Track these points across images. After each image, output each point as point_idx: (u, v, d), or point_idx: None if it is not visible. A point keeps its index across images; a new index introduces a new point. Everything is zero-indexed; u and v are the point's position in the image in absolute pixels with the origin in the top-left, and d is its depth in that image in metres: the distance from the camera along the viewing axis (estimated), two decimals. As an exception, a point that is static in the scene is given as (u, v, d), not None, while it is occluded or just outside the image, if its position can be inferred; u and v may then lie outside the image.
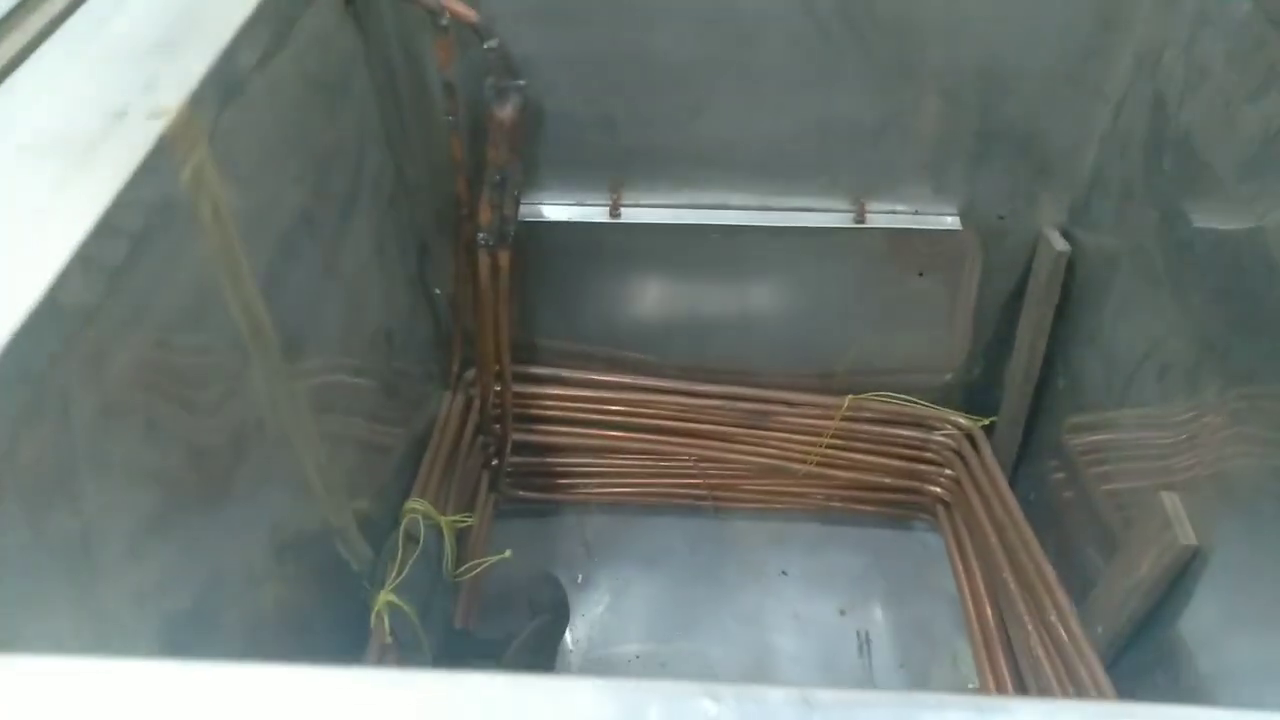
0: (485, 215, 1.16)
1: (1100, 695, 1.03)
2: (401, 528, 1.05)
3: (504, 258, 1.21)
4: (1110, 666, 1.08)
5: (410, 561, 1.02)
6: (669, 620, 1.46)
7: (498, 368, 1.34)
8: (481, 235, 1.17)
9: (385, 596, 0.97)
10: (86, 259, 0.54)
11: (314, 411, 0.91)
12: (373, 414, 1.12)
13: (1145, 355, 1.08)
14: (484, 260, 1.19)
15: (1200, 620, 0.96)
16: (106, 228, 0.56)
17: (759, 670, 1.40)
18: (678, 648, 1.43)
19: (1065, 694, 1.09)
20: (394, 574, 0.99)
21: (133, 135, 0.61)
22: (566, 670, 1.36)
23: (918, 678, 1.40)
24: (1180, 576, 0.97)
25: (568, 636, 1.41)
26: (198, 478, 0.71)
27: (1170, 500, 0.97)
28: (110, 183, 0.57)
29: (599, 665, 1.39)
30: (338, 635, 0.99)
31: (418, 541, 1.04)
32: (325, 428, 0.95)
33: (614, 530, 1.59)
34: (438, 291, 1.32)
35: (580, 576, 1.52)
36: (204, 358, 0.70)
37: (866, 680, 1.40)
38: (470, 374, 1.39)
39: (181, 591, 0.70)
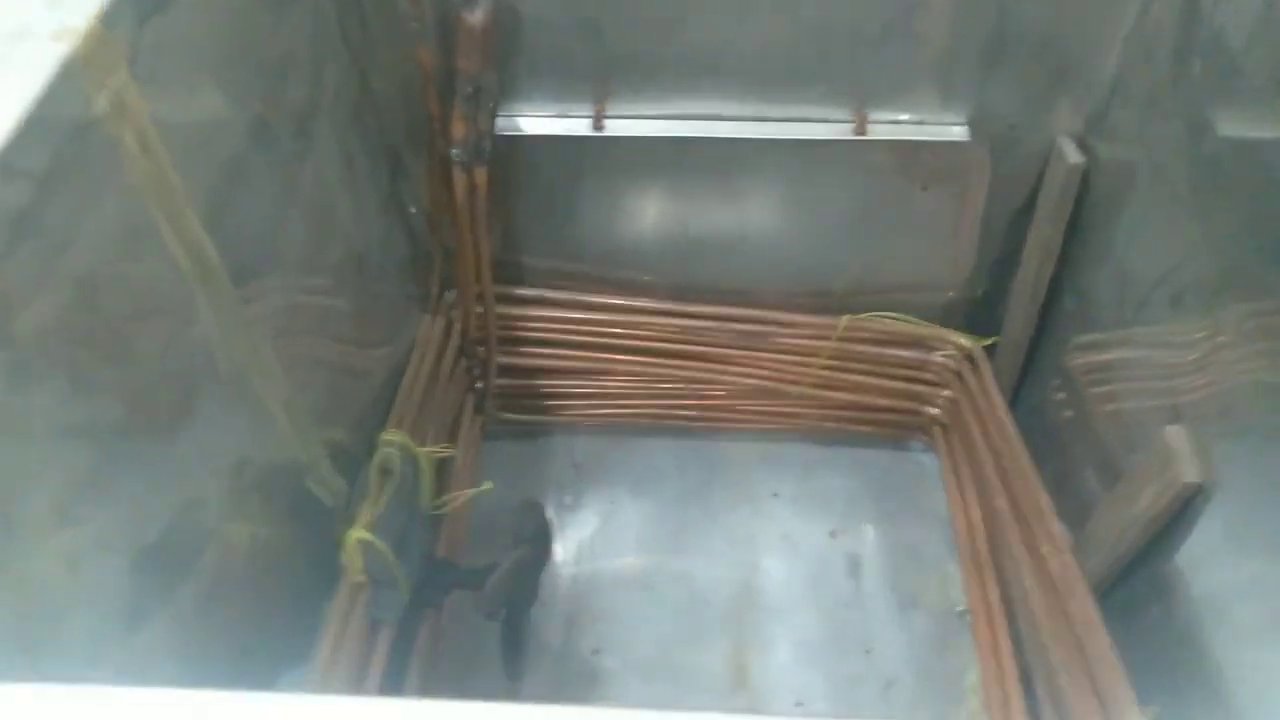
0: (458, 130, 1.08)
1: (1089, 628, 1.01)
2: (374, 462, 1.01)
3: (481, 175, 1.14)
4: (1103, 599, 1.06)
5: (384, 496, 0.99)
6: (658, 542, 1.45)
7: (479, 289, 1.28)
8: (455, 151, 1.10)
9: (357, 533, 0.94)
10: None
11: (276, 344, 0.86)
12: (345, 341, 1.08)
13: (1160, 279, 1.02)
14: (459, 178, 1.13)
15: (1198, 558, 0.93)
16: (3, 171, 0.50)
17: (746, 593, 1.40)
18: (666, 570, 1.42)
19: (1054, 626, 1.08)
20: (367, 510, 0.96)
21: (33, 60, 0.54)
22: (553, 594, 1.36)
23: (906, 600, 1.40)
24: (1181, 513, 0.94)
25: (557, 558, 1.40)
26: (143, 424, 0.67)
27: (1175, 434, 0.92)
28: (6, 118, 0.51)
29: (586, 586, 1.39)
30: (313, 573, 0.97)
31: (392, 475, 1.01)
32: (289, 360, 0.90)
33: (604, 452, 1.56)
34: (413, 210, 1.25)
35: (569, 498, 1.50)
36: (139, 300, 0.65)
37: (854, 602, 1.39)
38: (451, 296, 1.33)
39: (131, 544, 0.67)
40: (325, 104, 0.96)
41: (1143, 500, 0.95)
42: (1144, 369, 1.06)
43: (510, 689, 1.21)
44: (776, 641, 1.34)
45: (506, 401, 1.51)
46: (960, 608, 1.36)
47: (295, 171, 0.91)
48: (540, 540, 1.19)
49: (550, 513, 1.47)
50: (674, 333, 1.43)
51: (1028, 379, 1.40)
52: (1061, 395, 1.29)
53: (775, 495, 1.52)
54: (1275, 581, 0.84)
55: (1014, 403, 1.40)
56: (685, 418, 1.53)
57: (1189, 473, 0.89)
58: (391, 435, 1.09)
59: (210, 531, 0.79)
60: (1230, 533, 0.89)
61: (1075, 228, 1.20)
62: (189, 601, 0.76)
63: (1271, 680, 0.83)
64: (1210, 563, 0.92)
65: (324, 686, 0.88)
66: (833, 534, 1.48)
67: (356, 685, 0.95)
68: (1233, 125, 0.89)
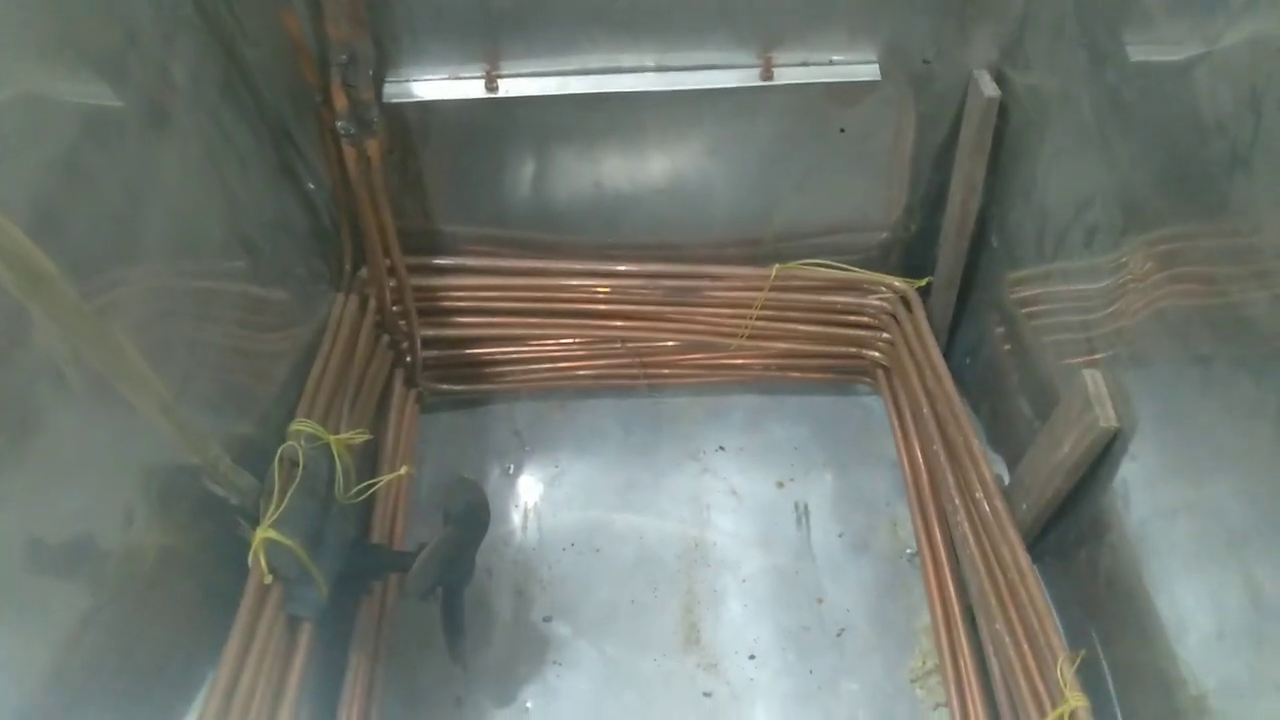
0: (339, 101, 1.02)
1: (1020, 574, 1.00)
2: (278, 456, 0.98)
3: (372, 147, 1.08)
4: (1033, 545, 1.05)
5: (292, 491, 0.95)
6: (604, 504, 1.43)
7: (389, 263, 1.24)
8: (340, 124, 1.04)
9: (262, 533, 0.91)
10: None
11: (145, 346, 0.82)
12: (240, 331, 1.03)
13: (1075, 215, 0.98)
14: (349, 151, 1.07)
15: (1121, 502, 0.91)
16: None
17: (696, 549, 1.38)
18: (613, 531, 1.40)
19: (989, 570, 1.06)
20: (272, 508, 0.93)
21: None
22: (500, 564, 1.34)
23: (857, 545, 1.38)
24: (1102, 457, 0.92)
25: (504, 526, 1.38)
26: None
27: (1093, 379, 0.90)
28: None
29: (534, 554, 1.37)
30: (223, 577, 0.94)
31: (300, 467, 0.98)
32: (166, 360, 0.86)
33: (546, 416, 1.53)
34: (311, 186, 1.19)
35: (512, 466, 1.47)
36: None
37: (805, 551, 1.38)
38: (365, 272, 1.29)
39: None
40: (182, 82, 0.90)
41: (1065, 446, 0.93)
42: (1065, 308, 1.03)
43: (454, 673, 1.20)
44: (727, 597, 1.34)
45: (441, 373, 1.47)
46: (910, 550, 1.35)
47: (150, 158, 0.86)
48: (472, 518, 1.17)
49: (493, 482, 1.46)
50: (603, 294, 1.39)
51: (962, 319, 1.37)
52: (993, 338, 1.26)
53: (721, 449, 1.50)
54: (1192, 517, 0.82)
55: (950, 342, 1.37)
56: (626, 377, 1.51)
57: (1106, 417, 0.87)
58: (300, 425, 1.05)
59: (103, 546, 0.77)
60: (1148, 471, 0.87)
61: (997, 163, 1.16)
62: (93, 613, 0.74)
63: (1191, 614, 0.82)
64: (1132, 502, 0.90)
65: (233, 688, 0.86)
66: (780, 484, 1.46)
67: (279, 684, 0.94)
68: (1129, 56, 0.84)
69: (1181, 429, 0.81)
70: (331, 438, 1.06)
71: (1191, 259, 0.78)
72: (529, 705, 1.22)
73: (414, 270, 1.32)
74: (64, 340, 0.71)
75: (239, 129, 1.02)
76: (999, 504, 1.06)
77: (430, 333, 1.39)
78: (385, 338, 1.34)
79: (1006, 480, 1.15)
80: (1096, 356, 0.94)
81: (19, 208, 0.66)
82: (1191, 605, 0.82)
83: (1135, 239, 0.87)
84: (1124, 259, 0.89)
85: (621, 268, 1.38)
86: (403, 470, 1.12)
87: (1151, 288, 0.85)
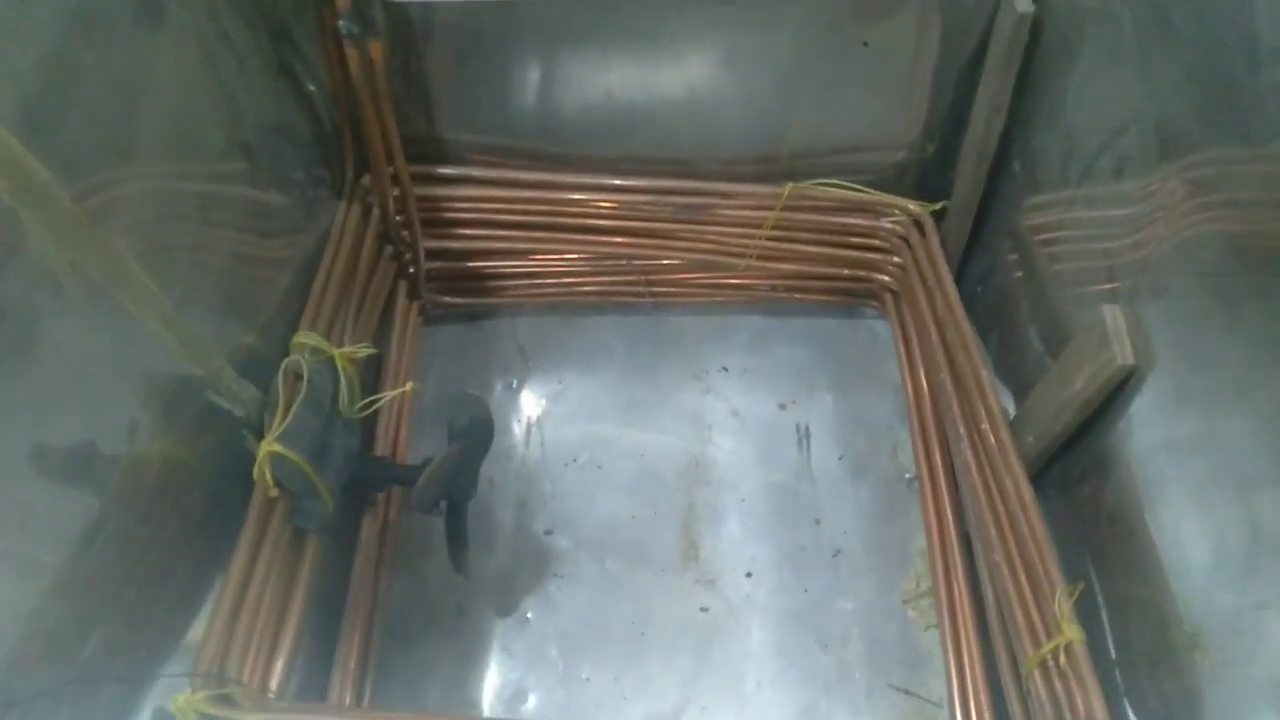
0: (341, -1, 0.98)
1: (1022, 506, 1.00)
2: (282, 368, 0.97)
3: (375, 48, 1.04)
4: (1037, 477, 1.05)
5: (296, 405, 0.95)
6: (607, 421, 1.43)
7: (393, 170, 1.20)
8: (342, 24, 0.99)
9: (267, 446, 0.91)
10: None
11: (144, 252, 0.80)
12: (240, 236, 1.00)
13: (1105, 141, 0.94)
14: (351, 54, 1.02)
15: (1130, 440, 0.91)
16: None
17: (696, 468, 1.39)
18: (615, 448, 1.40)
19: (990, 500, 1.07)
20: (276, 422, 0.93)
21: None
22: (503, 477, 1.35)
23: (856, 468, 1.39)
24: (1115, 394, 0.91)
25: (507, 440, 1.38)
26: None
27: (1112, 314, 0.88)
28: None
29: (536, 468, 1.38)
30: (229, 488, 0.94)
31: (305, 381, 0.97)
32: (166, 267, 0.84)
33: (550, 332, 1.52)
34: (312, 88, 1.15)
35: (515, 381, 1.47)
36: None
37: (804, 473, 1.39)
38: (368, 180, 1.25)
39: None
40: (176, -25, 0.85)
41: (1078, 382, 0.92)
42: (1087, 236, 1.01)
43: (457, 582, 1.22)
44: (726, 515, 1.35)
45: (444, 285, 1.45)
46: (909, 475, 1.36)
47: (144, 55, 0.82)
48: (476, 433, 1.16)
49: (496, 396, 1.45)
50: (611, 209, 1.36)
51: (977, 245, 1.34)
52: (1008, 265, 1.24)
53: (725, 369, 1.49)
54: (1203, 456, 0.82)
55: (963, 269, 1.35)
56: (631, 294, 1.48)
57: (1123, 354, 0.86)
58: (303, 337, 1.04)
59: (107, 455, 0.76)
60: (1162, 409, 0.86)
61: (1025, 84, 1.11)
62: (100, 521, 0.75)
63: (1193, 553, 0.83)
64: (1142, 440, 0.90)
65: (240, 598, 0.87)
66: (783, 406, 1.46)
67: (285, 594, 0.95)
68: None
69: (1199, 367, 0.80)
70: (335, 352, 1.04)
71: (1227, 186, 0.75)
72: (530, 616, 1.25)
73: (418, 179, 1.28)
74: (59, 248, 0.68)
75: (237, 27, 0.97)
76: (1004, 435, 1.06)
77: (434, 244, 1.37)
78: (388, 248, 1.31)
79: (1013, 412, 1.14)
80: (1116, 286, 0.92)
81: (5, 108, 0.62)
82: (1194, 544, 0.83)
83: (1169, 166, 0.84)
84: (1154, 186, 0.86)
85: (630, 183, 1.34)
86: (407, 387, 1.11)
87: (1180, 216, 0.83)
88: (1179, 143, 0.82)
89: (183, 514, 0.89)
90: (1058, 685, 0.88)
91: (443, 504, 1.15)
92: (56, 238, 0.68)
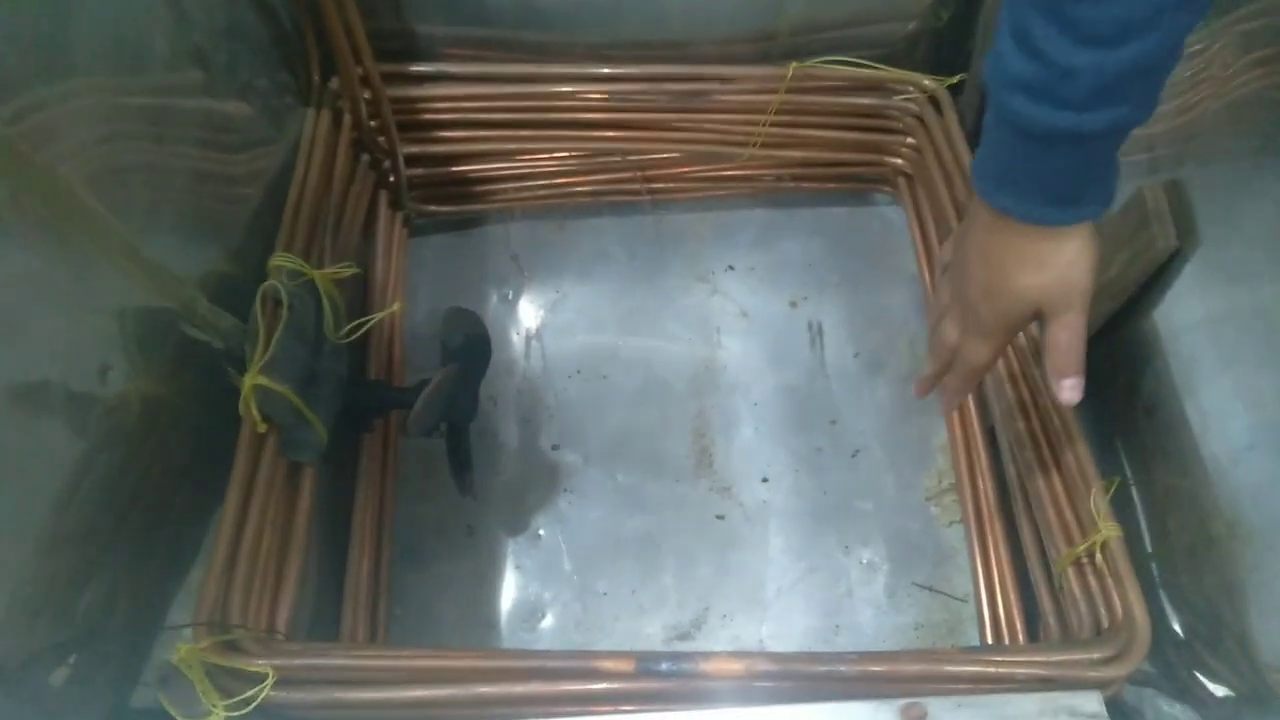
0: (285, -125, 0.86)
1: (1051, 398, 0.95)
2: (259, 295, 0.90)
3: (329, -69, 0.93)
4: (1068, 367, 0.99)
5: (278, 333, 0.88)
6: (610, 329, 1.37)
7: (362, 71, 1.10)
8: (289, -96, 0.88)
9: (251, 380, 0.85)
10: None
11: (91, 175, 0.72)
12: (202, 155, 0.92)
13: None
14: (303, -62, 0.92)
15: (1169, 323, 0.85)
16: None
17: (706, 373, 1.34)
18: (620, 357, 1.35)
19: (1018, 394, 1.02)
20: (258, 353, 0.87)
21: None
22: (505, 393, 1.30)
23: (872, 365, 1.34)
24: (1155, 277, 0.84)
25: (506, 353, 1.33)
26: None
27: (1152, 194, 0.80)
28: None
29: (538, 382, 1.33)
30: (217, 425, 0.88)
31: (285, 306, 0.90)
32: (120, 192, 0.77)
33: (544, 237, 1.44)
34: (266, -19, 1.04)
35: (511, 292, 1.40)
36: None
37: (818, 372, 1.34)
38: (336, 83, 1.15)
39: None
40: None
41: (1114, 268, 0.85)
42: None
43: (464, 502, 1.18)
44: (739, 420, 1.30)
45: (428, 192, 1.37)
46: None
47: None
48: (472, 351, 1.11)
49: (491, 309, 1.39)
50: (601, 101, 1.26)
51: (999, 120, 1.24)
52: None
53: (731, 268, 1.42)
54: (1250, 339, 0.76)
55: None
56: (628, 193, 1.40)
57: (1165, 235, 0.79)
58: (280, 259, 0.97)
59: (83, 397, 0.71)
60: (1205, 292, 0.80)
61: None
62: (84, 468, 0.71)
63: (1236, 440, 0.78)
64: (1183, 326, 0.84)
65: (238, 538, 0.83)
66: (793, 303, 1.39)
67: (285, 530, 0.91)
68: None
69: (1245, 240, 0.74)
70: (316, 273, 0.97)
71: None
72: (541, 533, 1.22)
73: (390, 79, 1.18)
74: (-3, 185, 0.61)
75: (172, -86, 0.87)
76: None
77: (413, 149, 1.28)
78: (365, 157, 1.22)
79: (1039, 299, 1.08)
80: (1156, 155, 0.84)
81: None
82: (1234, 425, 0.78)
83: (1218, 21, 0.75)
84: (1200, 45, 0.78)
85: (620, 70, 1.24)
86: (395, 307, 1.04)
87: (1230, 77, 0.75)
88: (1228, 23, 0.74)
89: (171, 455, 0.84)
90: (1092, 582, 0.85)
91: (443, 426, 1.10)
92: (-12, 170, 0.61)
